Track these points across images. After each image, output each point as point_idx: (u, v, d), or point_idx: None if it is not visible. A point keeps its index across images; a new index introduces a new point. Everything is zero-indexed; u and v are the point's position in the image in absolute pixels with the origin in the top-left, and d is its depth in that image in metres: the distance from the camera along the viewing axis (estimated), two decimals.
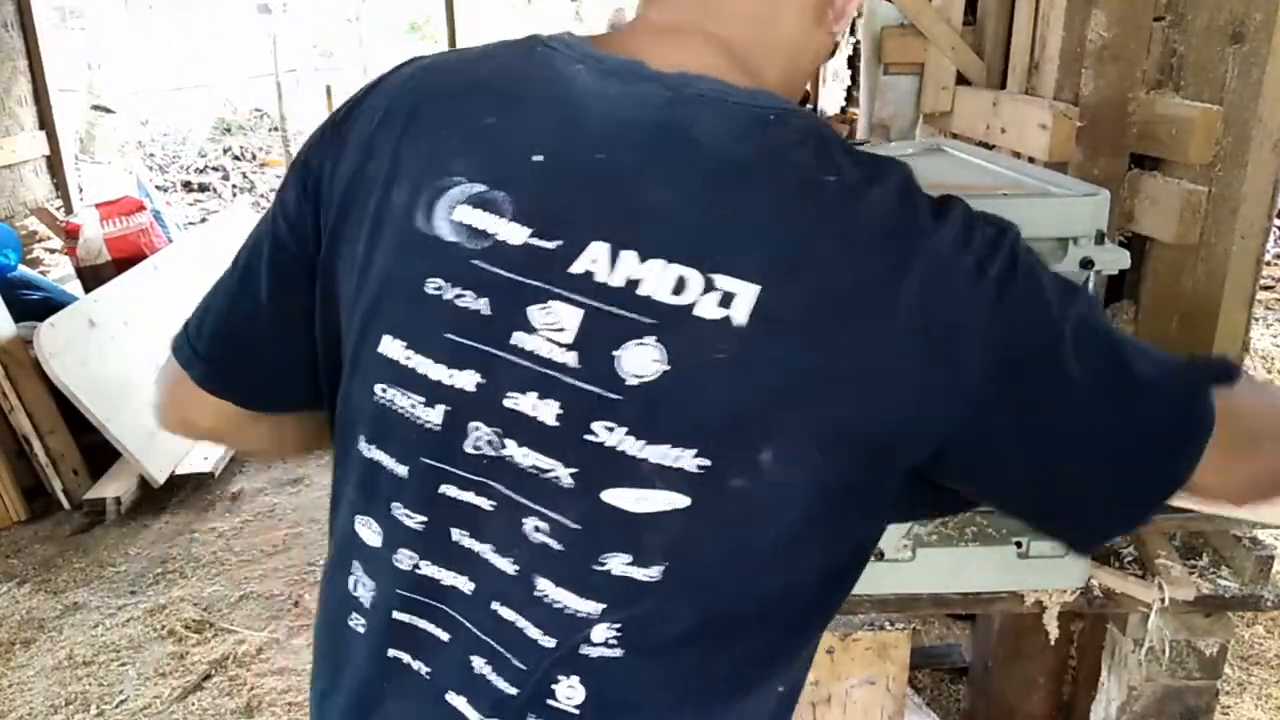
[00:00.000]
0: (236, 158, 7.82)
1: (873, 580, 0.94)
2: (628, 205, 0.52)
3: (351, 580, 0.61)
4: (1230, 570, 1.01)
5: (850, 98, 4.98)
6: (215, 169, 7.58)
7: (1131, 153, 1.49)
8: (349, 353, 0.59)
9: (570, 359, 0.51)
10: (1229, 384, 0.55)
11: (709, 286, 0.49)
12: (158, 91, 8.39)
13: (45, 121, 4.31)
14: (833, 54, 0.65)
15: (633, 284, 0.50)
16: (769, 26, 0.59)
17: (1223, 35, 1.38)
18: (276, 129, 7.53)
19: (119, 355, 3.02)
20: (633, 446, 0.50)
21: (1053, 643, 1.03)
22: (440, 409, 0.54)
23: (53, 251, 4.21)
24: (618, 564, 0.52)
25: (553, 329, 0.51)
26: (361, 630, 0.61)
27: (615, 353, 0.50)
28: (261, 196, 7.22)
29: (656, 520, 0.51)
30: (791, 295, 0.49)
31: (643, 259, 0.50)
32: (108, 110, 6.57)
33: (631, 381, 0.50)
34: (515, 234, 0.52)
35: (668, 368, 0.49)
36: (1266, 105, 1.35)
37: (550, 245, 0.52)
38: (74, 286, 3.74)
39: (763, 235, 0.50)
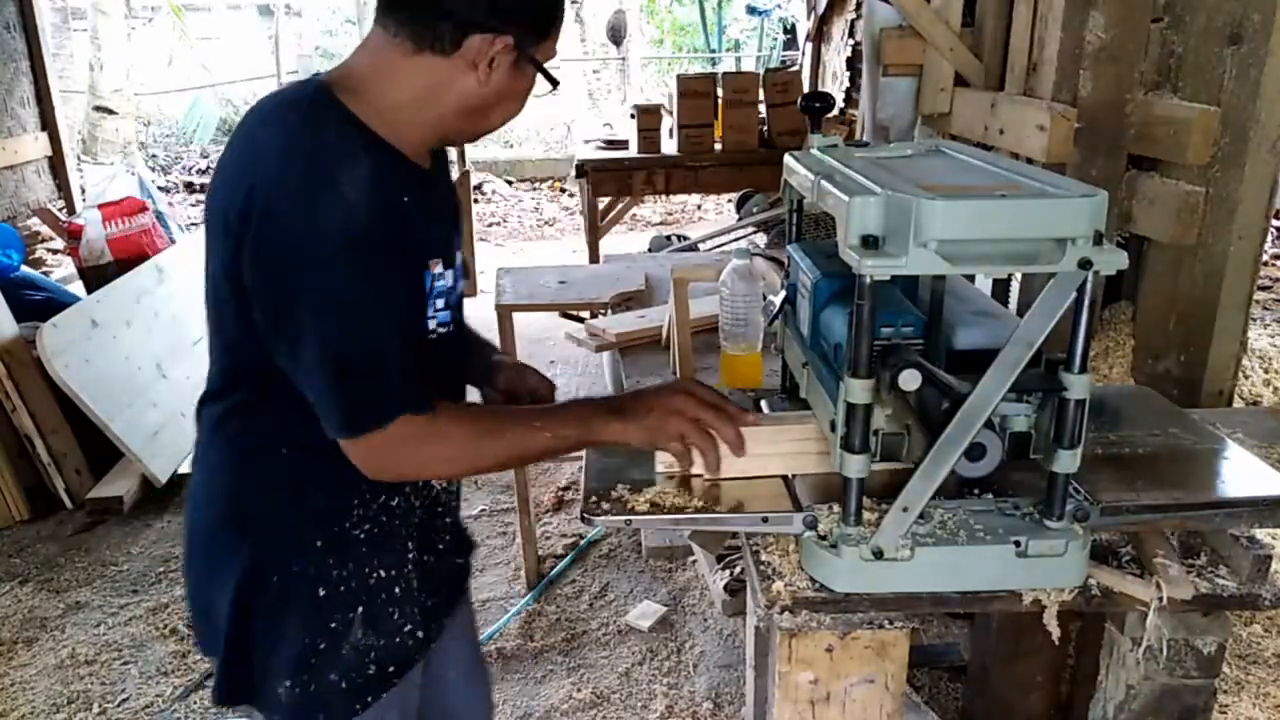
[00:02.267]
0: None
1: (871, 579, 0.95)
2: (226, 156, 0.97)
3: None
4: (1228, 569, 1.02)
5: (849, 99, 4.99)
6: None
7: (1129, 153, 1.50)
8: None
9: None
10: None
11: (217, 181, 0.97)
12: (160, 92, 8.39)
13: (48, 122, 4.32)
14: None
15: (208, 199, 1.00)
16: (400, 88, 0.95)
17: (1220, 36, 1.39)
18: None
19: (121, 355, 3.03)
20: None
21: (1054, 642, 1.03)
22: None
23: (55, 252, 4.22)
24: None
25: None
26: None
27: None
28: None
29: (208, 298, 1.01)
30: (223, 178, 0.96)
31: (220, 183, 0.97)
32: (110, 111, 6.58)
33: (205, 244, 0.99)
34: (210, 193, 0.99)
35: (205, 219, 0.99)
36: (1264, 106, 1.35)
37: (210, 193, 0.98)
38: (76, 287, 3.75)
39: (223, 156, 0.98)
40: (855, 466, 0.91)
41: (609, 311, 2.13)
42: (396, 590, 1.04)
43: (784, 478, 1.07)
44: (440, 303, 1.01)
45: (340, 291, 0.87)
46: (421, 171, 0.99)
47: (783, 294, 1.22)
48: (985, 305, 1.06)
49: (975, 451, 0.92)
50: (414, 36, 0.92)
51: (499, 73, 0.93)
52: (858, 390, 0.89)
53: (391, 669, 1.04)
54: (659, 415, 0.99)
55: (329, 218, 0.85)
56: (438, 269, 1.00)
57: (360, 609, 1.01)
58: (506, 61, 0.93)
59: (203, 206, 0.86)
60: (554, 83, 0.99)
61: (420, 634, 1.07)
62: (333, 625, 1.00)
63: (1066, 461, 0.92)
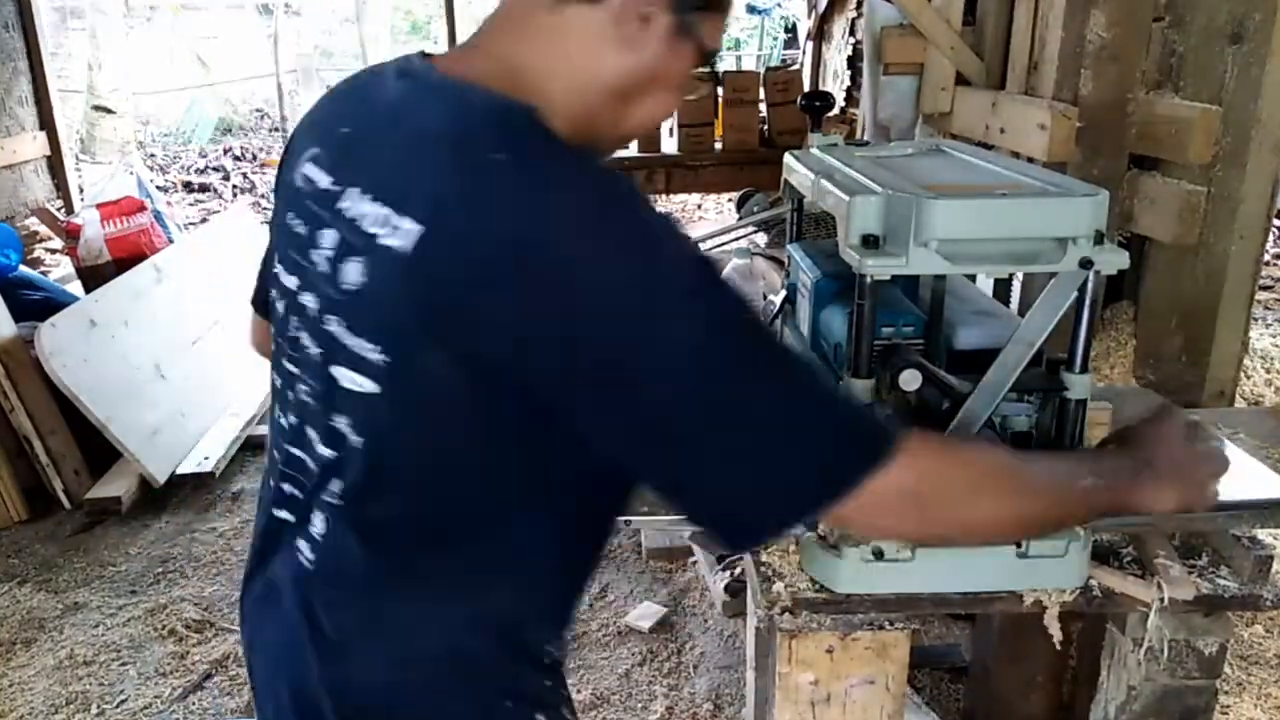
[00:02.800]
0: (237, 158, 7.82)
1: (872, 580, 0.94)
2: (369, 161, 0.70)
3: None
4: (1229, 570, 1.01)
5: (850, 98, 4.98)
6: (216, 169, 7.59)
7: (1131, 153, 1.50)
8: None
9: (326, 268, 0.70)
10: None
11: (390, 221, 0.65)
12: (159, 92, 8.39)
13: (46, 122, 4.31)
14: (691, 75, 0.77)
15: (359, 217, 0.67)
16: (545, 49, 0.72)
17: (1222, 36, 1.38)
18: (277, 129, 7.54)
19: (119, 355, 3.02)
20: (346, 336, 0.69)
21: (1057, 644, 1.03)
22: (281, 304, 0.77)
23: (53, 252, 4.21)
24: (342, 422, 0.71)
25: (323, 246, 0.70)
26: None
27: (341, 265, 0.68)
28: (262, 196, 7.22)
29: (360, 397, 0.68)
30: (442, 239, 0.63)
31: (371, 200, 0.67)
32: (108, 110, 6.57)
33: (346, 287, 0.67)
34: (322, 180, 0.72)
35: (366, 280, 0.66)
36: (1266, 105, 1.35)
37: (334, 189, 0.71)
38: (75, 287, 3.74)
39: (429, 188, 0.64)
40: None
41: None
42: None
43: None
44: None
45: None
46: None
47: (782, 293, 1.22)
48: (986, 305, 1.05)
49: None
50: None
51: (653, 36, 0.72)
52: (858, 390, 0.88)
53: None
54: (1198, 478, 0.76)
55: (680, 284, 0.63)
56: None
57: None
58: (663, 23, 0.71)
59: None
60: (715, 76, 0.79)
61: None
62: None
63: None
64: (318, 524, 0.75)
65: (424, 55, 0.76)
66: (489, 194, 0.62)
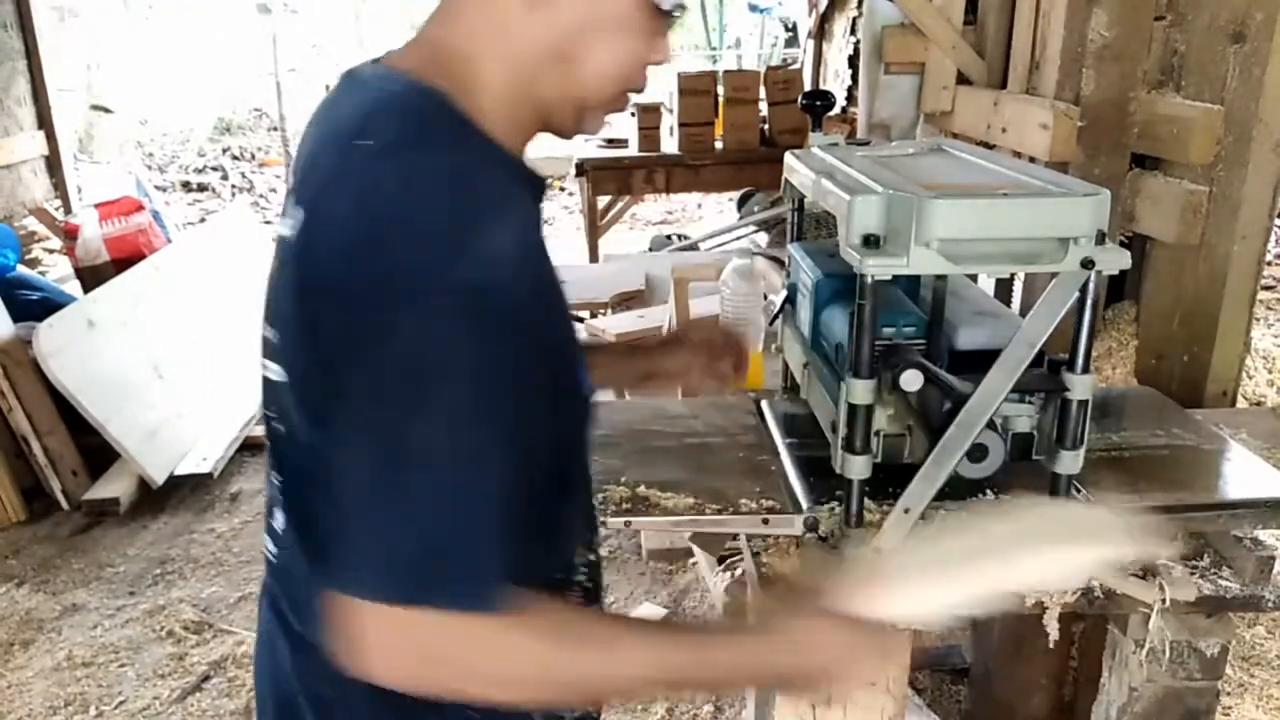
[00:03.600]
0: (236, 158, 7.81)
1: None
2: (300, 167, 0.72)
3: None
4: (1231, 571, 1.01)
5: (851, 97, 4.97)
6: (214, 169, 7.58)
7: (1132, 152, 1.49)
8: None
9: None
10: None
11: (291, 213, 0.67)
12: (157, 91, 8.38)
13: (44, 121, 4.31)
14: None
15: (286, 219, 0.69)
16: (467, 29, 0.71)
17: (1224, 35, 1.38)
18: (276, 129, 7.53)
19: (117, 356, 3.01)
20: (265, 328, 0.71)
21: (1053, 644, 1.02)
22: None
23: (51, 252, 4.21)
24: (272, 412, 0.72)
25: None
26: None
27: (274, 272, 0.70)
28: (260, 196, 7.21)
29: (275, 385, 0.70)
30: (314, 223, 0.65)
31: (294, 202, 0.68)
32: (107, 110, 6.56)
33: (267, 283, 0.71)
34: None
35: (274, 270, 0.69)
36: (1268, 105, 1.35)
37: (289, 199, 0.71)
38: (73, 287, 3.74)
39: (317, 177, 0.68)
40: (856, 468, 0.90)
41: (609, 311, 2.12)
42: None
43: (784, 477, 1.07)
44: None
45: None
46: (539, 180, 0.73)
47: (783, 293, 1.22)
48: (987, 305, 1.05)
49: (978, 453, 0.91)
50: None
51: None
52: (859, 391, 0.88)
53: None
54: (842, 650, 0.72)
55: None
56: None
57: None
58: None
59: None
60: (662, 11, 0.70)
61: None
62: None
63: (1069, 462, 0.91)
64: (278, 518, 0.76)
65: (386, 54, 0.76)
66: (348, 179, 0.64)
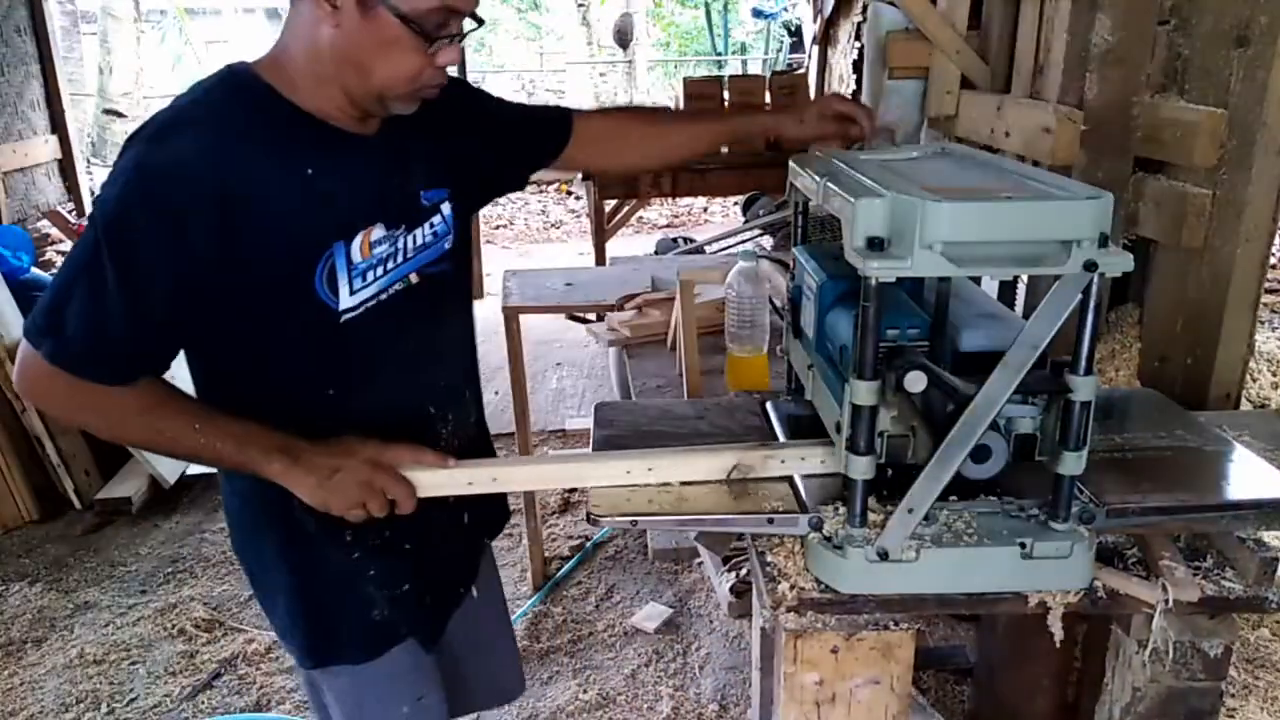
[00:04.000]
0: None
1: (877, 580, 0.95)
2: None
3: None
4: (1234, 572, 1.01)
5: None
6: None
7: (1136, 156, 1.50)
8: None
9: None
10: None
11: None
12: (168, 95, 8.43)
13: (57, 125, 4.35)
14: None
15: None
16: (290, 35, 0.98)
17: (1227, 39, 1.38)
18: None
19: None
20: None
21: (1057, 644, 1.03)
22: None
23: (64, 254, 4.24)
24: None
25: None
26: None
27: None
28: None
29: None
30: None
31: None
32: (119, 114, 6.61)
33: None
34: None
35: None
36: (1271, 108, 1.35)
37: None
38: None
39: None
40: (860, 468, 0.92)
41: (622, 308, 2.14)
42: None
43: (789, 479, 1.08)
44: (377, 272, 1.01)
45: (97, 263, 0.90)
46: (346, 136, 0.99)
47: (788, 295, 1.23)
48: (990, 307, 1.06)
49: (981, 454, 0.92)
50: None
51: (345, 13, 0.91)
52: (863, 392, 0.89)
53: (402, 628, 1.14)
54: (343, 479, 0.97)
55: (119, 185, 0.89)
56: (373, 235, 1.00)
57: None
58: (351, 3, 0.91)
59: None
60: (424, 34, 0.93)
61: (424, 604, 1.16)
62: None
63: (1072, 464, 0.92)
64: None
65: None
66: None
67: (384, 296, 1.02)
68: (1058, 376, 0.91)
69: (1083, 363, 0.89)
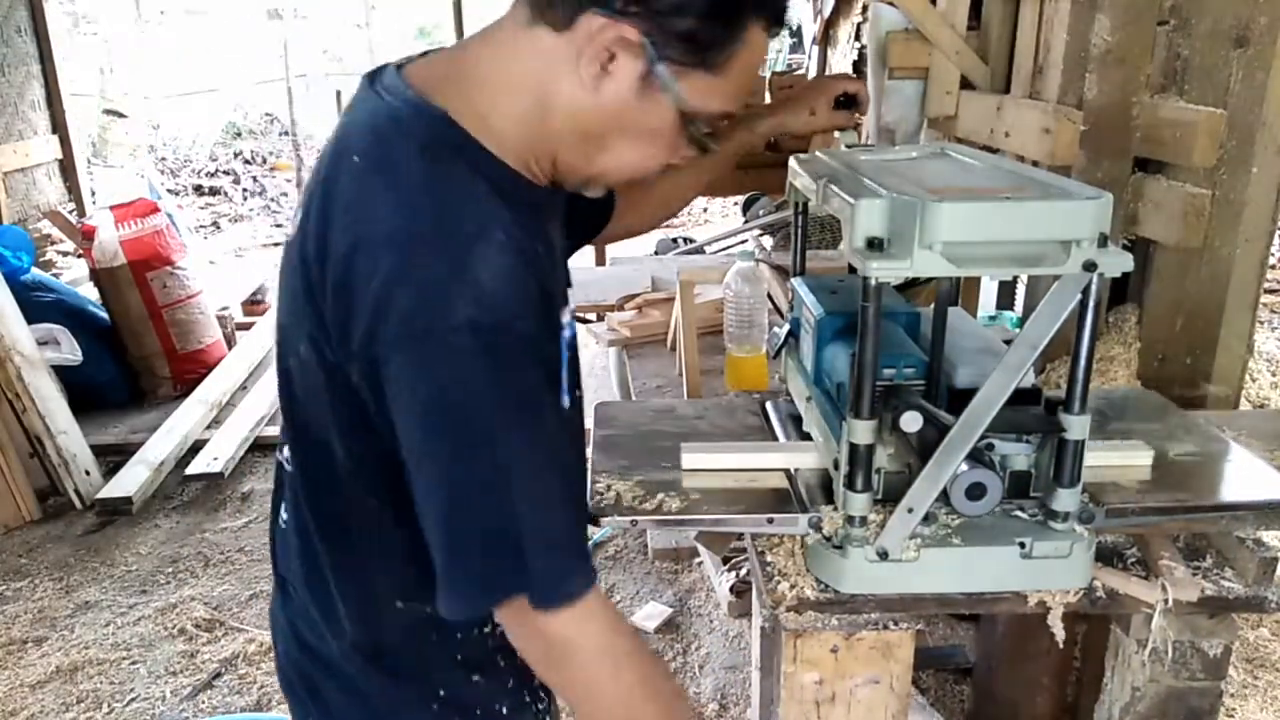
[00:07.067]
0: (247, 162, 7.86)
1: (876, 580, 0.95)
2: (312, 169, 0.76)
3: None
4: (1234, 572, 1.02)
5: None
6: (226, 173, 7.63)
7: (1135, 156, 1.50)
8: None
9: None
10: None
11: (296, 214, 0.74)
12: (169, 96, 8.45)
13: (58, 125, 4.36)
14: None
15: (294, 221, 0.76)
16: (507, 63, 0.72)
17: (1226, 39, 1.38)
18: (287, 133, 7.58)
19: None
20: (281, 315, 0.77)
21: (1057, 644, 1.03)
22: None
23: (65, 254, 4.25)
24: (280, 393, 0.79)
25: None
26: None
27: (283, 269, 0.76)
28: (271, 200, 7.26)
29: (284, 364, 0.77)
30: (306, 231, 0.70)
31: (301, 204, 0.75)
32: (119, 114, 6.62)
33: (284, 282, 0.76)
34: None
35: (282, 261, 0.76)
36: (1270, 109, 1.35)
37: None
38: (87, 289, 3.77)
39: (313, 183, 0.73)
40: (858, 505, 0.92)
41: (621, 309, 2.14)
42: None
43: (787, 473, 1.08)
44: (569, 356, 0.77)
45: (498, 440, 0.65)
46: (543, 194, 0.75)
47: (787, 326, 1.23)
48: (986, 343, 1.06)
49: (975, 490, 0.92)
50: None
51: (617, 80, 0.67)
52: (861, 431, 0.89)
53: None
54: None
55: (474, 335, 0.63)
56: (566, 318, 0.77)
57: None
58: (630, 69, 0.67)
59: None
60: (702, 145, 0.73)
61: None
62: None
63: (1066, 500, 0.93)
64: (289, 493, 0.84)
65: (421, 55, 0.78)
66: (339, 194, 0.68)
67: (578, 395, 0.82)
68: (1051, 415, 0.92)
69: (1076, 401, 0.89)
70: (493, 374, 0.63)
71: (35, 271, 3.50)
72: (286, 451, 0.82)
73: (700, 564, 2.54)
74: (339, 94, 4.47)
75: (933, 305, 0.99)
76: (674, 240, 5.44)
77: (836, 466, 0.95)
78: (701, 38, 0.67)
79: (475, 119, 0.70)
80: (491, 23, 0.74)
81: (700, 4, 0.66)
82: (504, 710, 0.86)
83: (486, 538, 0.66)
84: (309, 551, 0.81)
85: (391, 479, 0.70)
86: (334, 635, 0.82)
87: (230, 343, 3.93)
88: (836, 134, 1.17)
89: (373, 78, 0.75)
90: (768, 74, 4.81)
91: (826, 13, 5.50)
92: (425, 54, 0.77)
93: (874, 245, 0.85)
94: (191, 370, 3.62)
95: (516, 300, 0.65)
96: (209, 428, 3.28)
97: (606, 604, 0.71)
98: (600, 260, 4.27)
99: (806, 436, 1.15)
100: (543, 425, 0.67)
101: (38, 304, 3.19)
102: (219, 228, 6.70)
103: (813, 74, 5.64)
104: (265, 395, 3.43)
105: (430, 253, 0.64)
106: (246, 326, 4.17)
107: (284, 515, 0.85)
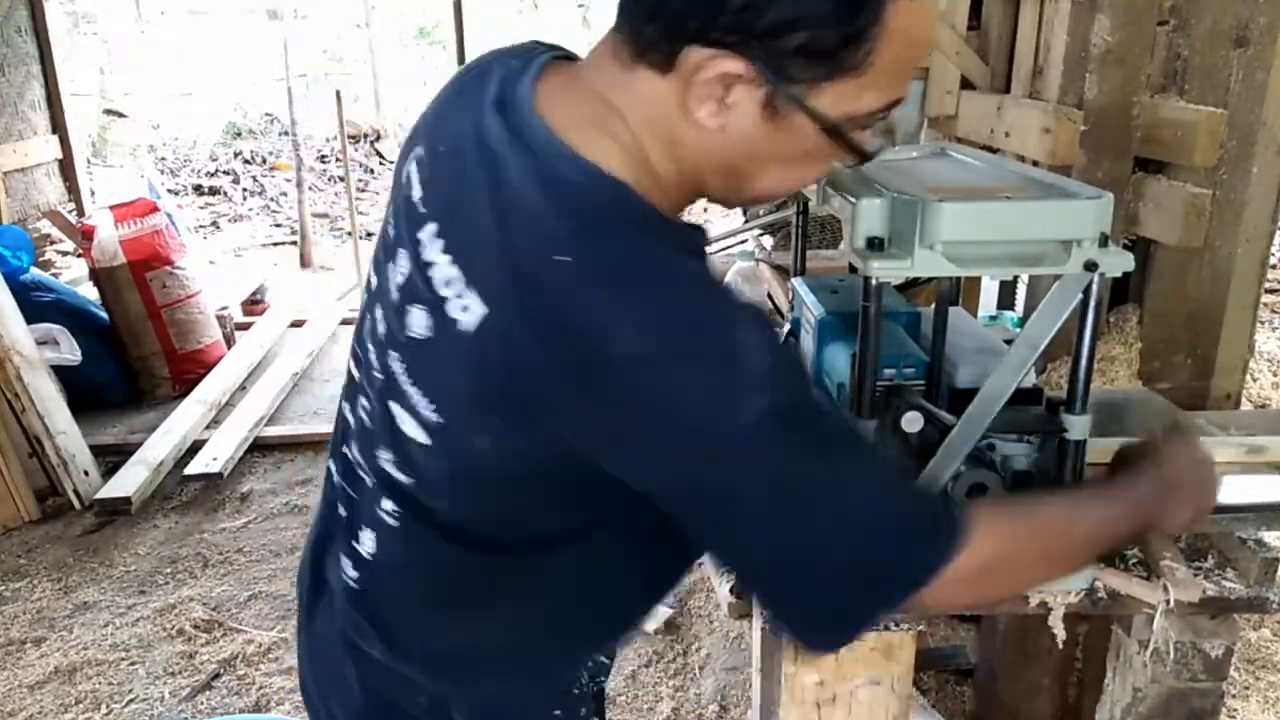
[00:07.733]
0: (247, 162, 7.86)
1: None
2: (450, 199, 0.66)
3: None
4: (1235, 572, 1.01)
5: None
6: (226, 173, 7.63)
7: (1135, 156, 1.50)
8: None
9: (395, 297, 0.69)
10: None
11: (458, 289, 0.63)
12: (169, 96, 8.45)
13: (58, 125, 4.36)
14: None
15: (430, 265, 0.65)
16: (628, 103, 0.65)
17: (1226, 39, 1.39)
18: (287, 133, 7.58)
19: None
20: (404, 380, 0.68)
21: (1058, 645, 1.03)
22: (366, 292, 0.76)
23: (64, 254, 4.25)
24: (385, 456, 0.71)
25: (398, 270, 0.69)
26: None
27: (407, 307, 0.67)
28: (271, 200, 7.26)
29: (413, 441, 0.68)
30: (502, 326, 0.60)
31: (443, 250, 0.65)
32: (119, 114, 6.62)
33: (410, 333, 0.66)
34: (415, 190, 0.70)
35: (430, 337, 0.65)
36: (1271, 109, 1.35)
37: (420, 209, 0.68)
38: (86, 289, 3.77)
39: (497, 268, 0.61)
40: None
41: None
42: None
43: None
44: None
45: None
46: (703, 234, 0.70)
47: (787, 326, 1.23)
48: (987, 343, 1.05)
49: (976, 490, 0.92)
50: (630, 36, 0.63)
51: (738, 114, 0.62)
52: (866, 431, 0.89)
53: None
54: (1207, 493, 0.82)
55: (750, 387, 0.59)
56: None
57: None
58: (749, 98, 0.61)
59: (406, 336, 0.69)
60: (862, 153, 0.67)
61: None
62: None
63: None
64: (367, 542, 0.76)
65: (541, 67, 0.68)
66: (551, 290, 0.59)
67: None
68: (1052, 415, 0.92)
69: (1077, 401, 0.89)
70: (798, 435, 0.62)
71: (34, 271, 3.50)
72: (386, 504, 0.73)
73: (700, 564, 2.54)
74: (339, 94, 4.47)
75: (933, 305, 0.99)
76: None
77: None
78: (823, 46, 0.59)
79: (660, 193, 0.65)
80: (592, 55, 0.67)
81: (812, 11, 0.57)
82: None
83: (855, 568, 0.64)
84: (439, 608, 0.76)
85: (571, 553, 0.72)
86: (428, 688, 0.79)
87: (229, 343, 3.93)
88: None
89: (500, 104, 0.65)
90: None
91: None
92: (530, 64, 0.67)
93: (874, 245, 0.85)
94: (191, 370, 3.62)
95: (782, 364, 0.63)
96: (208, 428, 3.28)
97: (976, 523, 0.67)
98: None
99: None
100: (845, 438, 0.66)
101: (37, 304, 3.19)
102: (219, 228, 6.70)
103: None
104: (264, 395, 3.43)
105: (703, 364, 0.59)
106: (246, 326, 4.17)
107: (369, 548, 0.76)
